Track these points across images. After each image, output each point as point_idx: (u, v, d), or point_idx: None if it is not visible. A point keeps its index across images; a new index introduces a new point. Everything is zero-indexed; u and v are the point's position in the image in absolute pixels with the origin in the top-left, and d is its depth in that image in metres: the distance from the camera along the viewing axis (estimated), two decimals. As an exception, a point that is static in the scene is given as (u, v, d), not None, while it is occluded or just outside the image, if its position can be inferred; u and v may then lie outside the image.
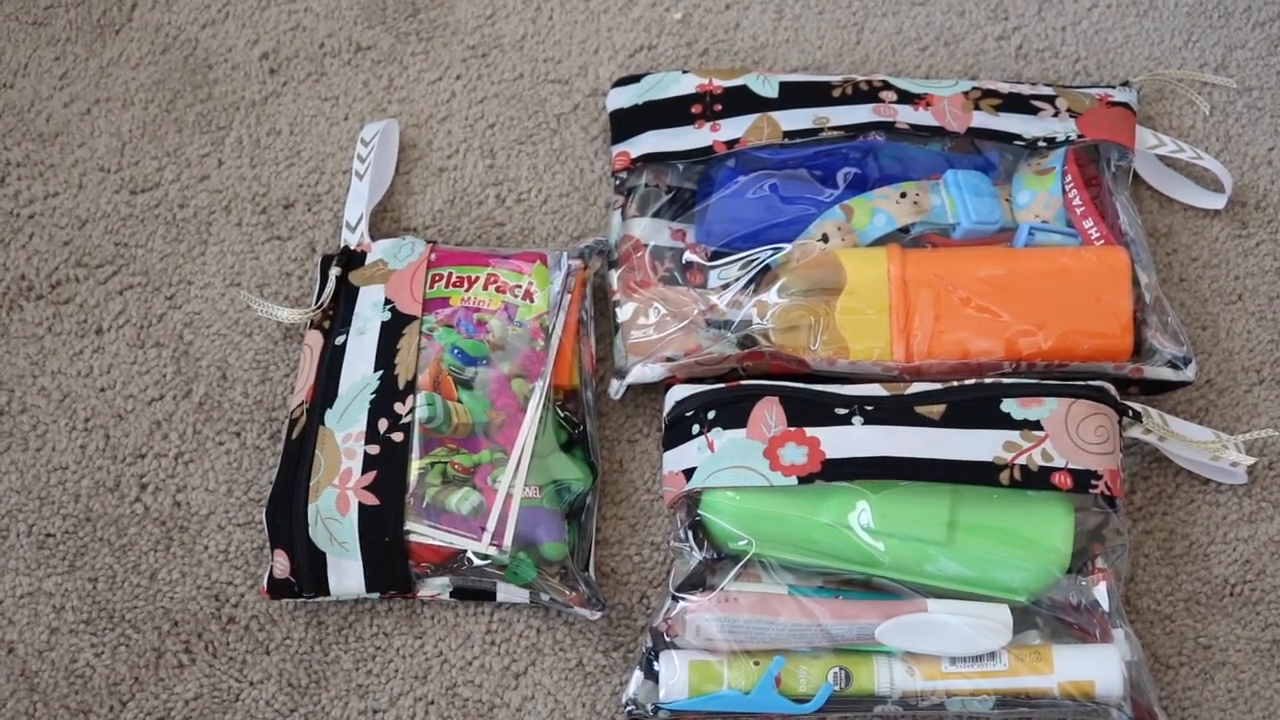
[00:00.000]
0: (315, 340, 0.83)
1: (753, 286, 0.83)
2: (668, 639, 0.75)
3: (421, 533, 0.76)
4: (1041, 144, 0.86)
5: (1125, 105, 0.89)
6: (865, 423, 0.75)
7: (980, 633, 0.73)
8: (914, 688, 0.73)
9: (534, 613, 0.80)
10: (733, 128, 0.87)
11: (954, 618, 0.73)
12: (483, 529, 0.76)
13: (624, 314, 0.84)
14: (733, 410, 0.77)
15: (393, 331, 0.81)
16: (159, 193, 0.92)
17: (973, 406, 0.76)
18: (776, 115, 0.87)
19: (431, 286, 0.83)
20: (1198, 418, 0.85)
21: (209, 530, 0.82)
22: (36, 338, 0.87)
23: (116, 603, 0.81)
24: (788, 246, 0.84)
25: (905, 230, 0.84)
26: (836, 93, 0.88)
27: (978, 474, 0.74)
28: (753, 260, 0.84)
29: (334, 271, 0.85)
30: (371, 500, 0.76)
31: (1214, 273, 0.90)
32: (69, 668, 0.79)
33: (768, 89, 0.89)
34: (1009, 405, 0.76)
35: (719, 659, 0.74)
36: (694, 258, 0.85)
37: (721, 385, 0.79)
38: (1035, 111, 0.88)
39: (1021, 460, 0.74)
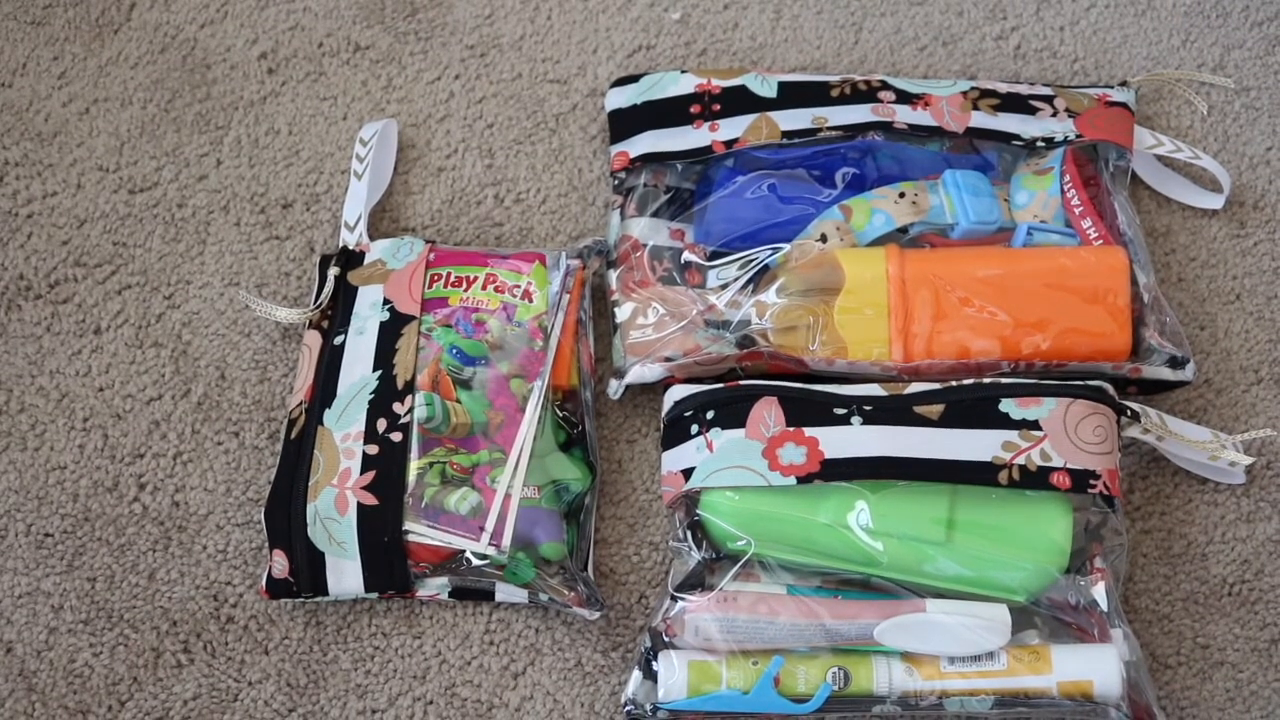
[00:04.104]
0: (314, 340, 0.83)
1: (751, 286, 0.83)
2: (666, 639, 0.75)
3: (420, 533, 0.76)
4: (1040, 144, 0.87)
5: (1123, 105, 0.90)
6: (864, 423, 0.75)
7: (979, 633, 0.73)
8: (913, 688, 0.73)
9: (532, 613, 0.80)
10: (731, 128, 0.87)
11: (953, 618, 0.73)
12: (481, 529, 0.76)
13: (623, 314, 0.84)
14: (731, 410, 0.77)
15: (391, 331, 0.81)
16: (157, 192, 0.92)
17: (971, 406, 0.76)
18: (775, 115, 0.87)
19: (430, 286, 0.83)
20: (1196, 417, 0.85)
21: (207, 530, 0.82)
22: (35, 337, 0.87)
23: (115, 602, 0.81)
24: (786, 246, 0.84)
25: (904, 230, 0.85)
26: (835, 93, 0.88)
27: (976, 474, 0.74)
28: (751, 260, 0.84)
29: (332, 271, 0.85)
30: (370, 500, 0.76)
31: (1212, 272, 0.90)
32: (67, 667, 0.79)
33: (766, 89, 0.89)
34: (1007, 405, 0.76)
35: (718, 659, 0.74)
36: (693, 258, 0.85)
37: (720, 385, 0.79)
38: (1033, 111, 0.88)
39: (1020, 460, 0.74)
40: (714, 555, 0.77)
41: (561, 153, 0.93)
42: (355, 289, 0.84)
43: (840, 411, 0.76)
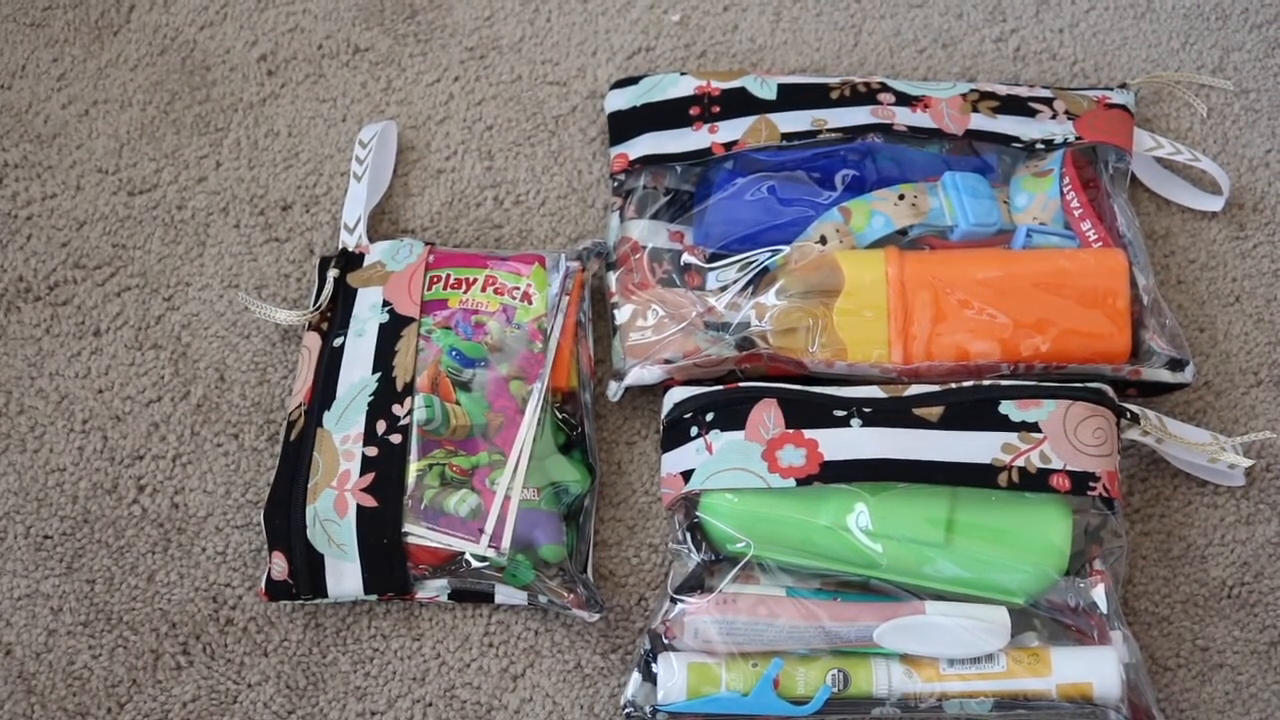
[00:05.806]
0: (313, 342, 0.83)
1: (751, 288, 0.83)
2: (666, 641, 0.75)
3: (420, 534, 0.76)
4: (1039, 146, 0.87)
5: (1123, 107, 0.90)
6: (863, 425, 0.75)
7: (978, 635, 0.73)
8: (912, 690, 0.73)
9: (532, 615, 0.80)
10: (731, 129, 0.87)
11: (952, 620, 0.73)
12: (481, 531, 0.76)
13: (622, 316, 0.84)
14: (731, 412, 0.77)
15: (391, 333, 0.81)
16: (157, 194, 0.92)
17: (971, 408, 0.76)
18: (774, 117, 0.87)
19: (430, 288, 0.83)
20: (1195, 420, 0.85)
21: (207, 532, 0.82)
22: (34, 339, 0.87)
23: (114, 604, 0.80)
24: (786, 249, 0.84)
25: (903, 232, 0.85)
26: (834, 95, 0.88)
27: (976, 476, 0.74)
28: (751, 262, 0.84)
29: (332, 273, 0.85)
30: (370, 502, 0.76)
31: (1211, 275, 0.90)
32: (67, 669, 0.79)
33: (766, 91, 0.89)
34: (1007, 407, 0.76)
35: (717, 661, 0.74)
36: (692, 260, 0.85)
37: (720, 387, 0.79)
38: (1033, 113, 0.88)
39: (1019, 462, 0.74)
40: (713, 557, 0.77)
41: (561, 155, 0.93)
42: (355, 291, 0.84)
43: (840, 413, 0.76)
